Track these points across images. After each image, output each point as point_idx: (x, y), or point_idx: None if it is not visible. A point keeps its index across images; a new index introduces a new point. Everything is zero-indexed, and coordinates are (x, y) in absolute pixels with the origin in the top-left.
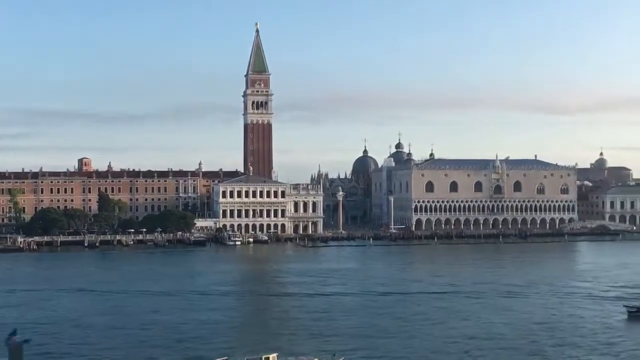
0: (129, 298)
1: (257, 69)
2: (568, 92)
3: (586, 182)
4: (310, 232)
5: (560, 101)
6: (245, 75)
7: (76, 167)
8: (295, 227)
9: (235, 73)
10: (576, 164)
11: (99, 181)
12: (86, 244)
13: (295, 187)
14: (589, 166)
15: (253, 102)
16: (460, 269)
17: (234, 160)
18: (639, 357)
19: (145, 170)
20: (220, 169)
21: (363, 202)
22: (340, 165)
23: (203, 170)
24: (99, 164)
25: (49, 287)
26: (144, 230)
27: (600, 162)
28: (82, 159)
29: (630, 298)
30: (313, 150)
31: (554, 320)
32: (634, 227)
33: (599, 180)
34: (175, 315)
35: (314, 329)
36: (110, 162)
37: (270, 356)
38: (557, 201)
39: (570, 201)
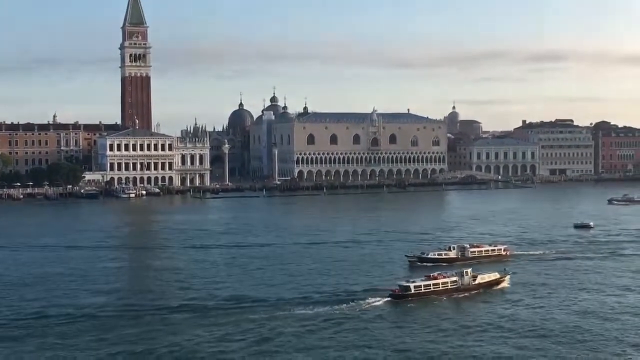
0: (84, 252)
1: (134, 21)
2: (416, 47)
3: (448, 135)
4: (197, 184)
5: (410, 56)
6: (121, 27)
7: None
8: (183, 180)
9: (111, 25)
10: (445, 118)
11: None
12: None
13: (182, 140)
14: (442, 119)
15: (131, 55)
16: (364, 217)
17: (109, 113)
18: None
19: (24, 123)
20: (100, 122)
21: (240, 154)
22: (215, 119)
23: (82, 123)
24: None
25: None
26: (31, 183)
27: (453, 115)
28: None
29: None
30: (187, 102)
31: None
32: (499, 177)
33: (458, 132)
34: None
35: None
36: None
37: (468, 270)
38: (429, 152)
39: (441, 152)
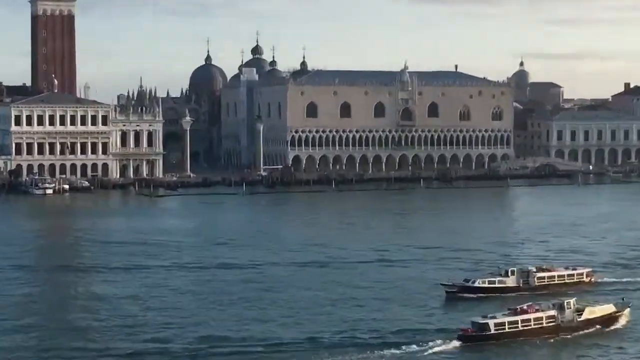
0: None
1: None
2: None
3: (515, 104)
4: (144, 175)
5: None
6: None
7: None
8: (123, 169)
9: None
10: (510, 79)
11: None
12: None
13: (122, 110)
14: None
15: None
16: (389, 225)
17: (14, 70)
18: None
19: None
20: (1, 83)
21: (207, 132)
22: (170, 78)
23: None
24: None
25: None
26: None
27: (521, 76)
28: None
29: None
30: (128, 53)
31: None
32: (590, 167)
33: (529, 101)
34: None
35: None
36: None
37: (571, 300)
38: (487, 130)
39: (505, 130)
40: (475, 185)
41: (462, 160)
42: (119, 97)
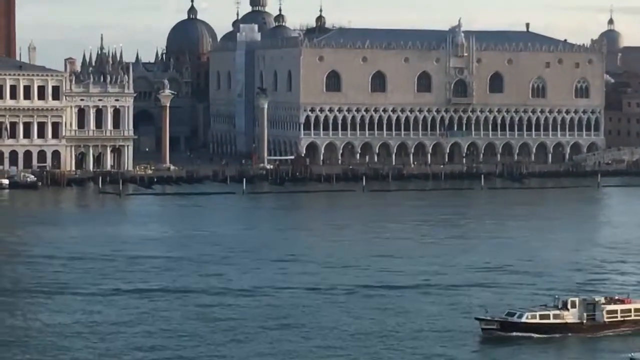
0: None
1: None
2: None
3: (605, 76)
4: (109, 167)
5: None
6: None
7: None
8: (81, 158)
9: None
10: (596, 42)
11: None
12: None
13: (80, 79)
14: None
15: None
16: (435, 237)
17: None
18: None
19: None
20: None
21: (191, 110)
22: (142, 37)
23: None
24: None
25: None
26: None
27: (611, 37)
28: None
29: None
30: (85, 3)
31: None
32: None
33: (623, 72)
34: None
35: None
36: None
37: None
38: (568, 111)
39: (593, 112)
40: (552, 185)
41: (534, 150)
42: (66, 61)
